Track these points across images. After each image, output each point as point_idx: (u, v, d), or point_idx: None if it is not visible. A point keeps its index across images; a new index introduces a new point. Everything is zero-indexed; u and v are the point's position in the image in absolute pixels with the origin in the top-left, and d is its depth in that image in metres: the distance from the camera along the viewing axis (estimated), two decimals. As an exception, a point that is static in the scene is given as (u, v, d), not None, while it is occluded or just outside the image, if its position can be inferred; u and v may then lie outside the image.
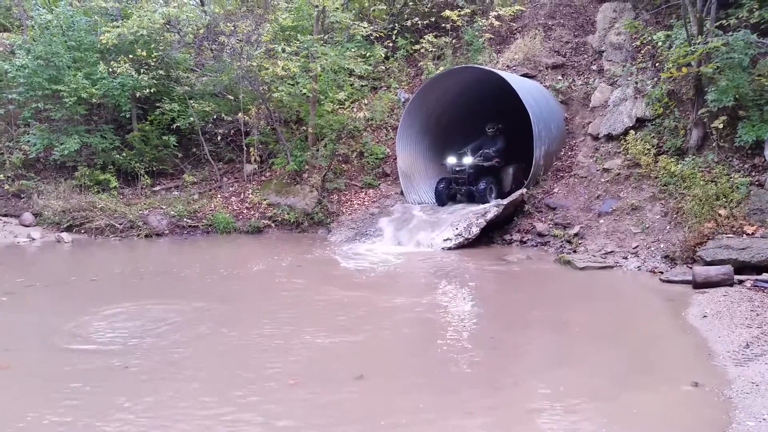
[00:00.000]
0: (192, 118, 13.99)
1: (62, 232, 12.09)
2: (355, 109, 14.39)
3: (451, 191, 12.62)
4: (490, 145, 12.51)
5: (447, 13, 14.79)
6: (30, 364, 5.38)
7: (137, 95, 13.64)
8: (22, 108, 13.49)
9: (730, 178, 9.21)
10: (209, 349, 5.71)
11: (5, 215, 12.83)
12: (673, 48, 10.29)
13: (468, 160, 12.26)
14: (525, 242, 10.79)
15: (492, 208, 10.97)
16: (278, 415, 4.31)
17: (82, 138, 13.24)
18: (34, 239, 11.90)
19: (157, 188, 14.02)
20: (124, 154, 13.77)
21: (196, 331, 6.21)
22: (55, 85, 12.92)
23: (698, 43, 9.39)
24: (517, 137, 12.64)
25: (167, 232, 12.47)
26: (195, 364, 5.27)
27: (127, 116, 14.11)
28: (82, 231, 12.29)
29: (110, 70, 13.13)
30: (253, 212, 13.14)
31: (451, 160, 12.44)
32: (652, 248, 9.23)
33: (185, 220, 12.69)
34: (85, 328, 6.29)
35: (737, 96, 9.27)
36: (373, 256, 10.16)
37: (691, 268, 8.05)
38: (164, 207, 12.89)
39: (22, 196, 13.18)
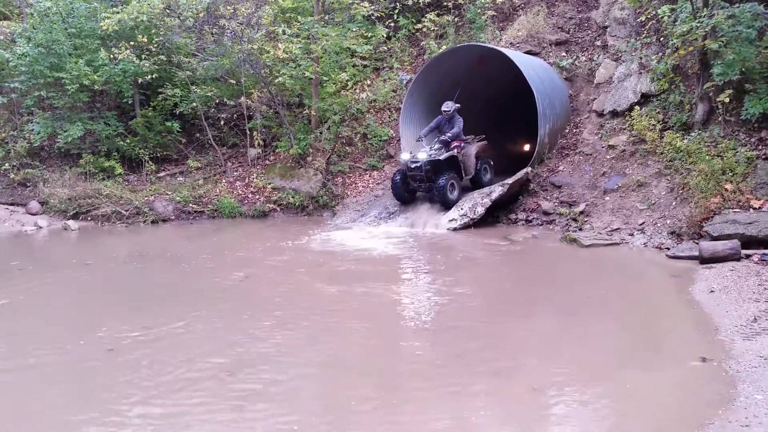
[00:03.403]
0: (194, 103, 13.94)
1: (69, 219, 12.15)
2: (357, 91, 14.29)
3: (409, 186, 11.42)
4: (447, 128, 11.24)
5: (449, -10, 14.63)
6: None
7: (139, 81, 13.60)
8: (25, 96, 13.48)
9: (737, 152, 9.14)
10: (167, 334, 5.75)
11: (12, 204, 12.91)
12: (678, 22, 10.16)
13: (423, 155, 10.87)
14: (530, 221, 10.78)
15: (497, 187, 10.93)
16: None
17: (85, 125, 13.25)
18: (41, 227, 11.97)
19: (161, 174, 14.03)
20: (127, 141, 13.77)
21: (162, 312, 6.33)
22: (56, 72, 12.90)
23: (704, 16, 9.27)
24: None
25: (173, 217, 12.53)
26: (142, 351, 5.23)
27: (130, 102, 14.10)
28: (89, 218, 12.35)
29: (111, 56, 13.08)
30: (258, 196, 13.16)
31: (405, 156, 11.25)
32: (659, 224, 9.21)
33: (191, 205, 12.73)
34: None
35: (743, 69, 9.18)
36: (377, 238, 10.17)
37: (697, 243, 8.04)
38: (169, 193, 12.92)
39: (28, 184, 13.24)
